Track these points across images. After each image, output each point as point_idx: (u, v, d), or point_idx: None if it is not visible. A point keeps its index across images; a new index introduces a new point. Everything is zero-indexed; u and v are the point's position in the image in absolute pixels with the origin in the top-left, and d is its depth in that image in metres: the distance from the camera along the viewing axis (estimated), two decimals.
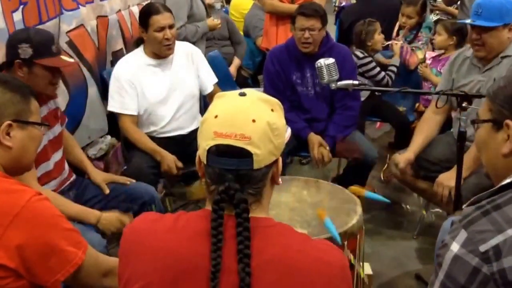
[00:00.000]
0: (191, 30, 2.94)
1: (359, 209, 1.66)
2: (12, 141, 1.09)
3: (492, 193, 0.92)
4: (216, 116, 0.85)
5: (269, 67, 2.52)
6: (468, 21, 2.09)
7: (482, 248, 0.84)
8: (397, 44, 3.07)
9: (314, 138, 2.41)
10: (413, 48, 3.30)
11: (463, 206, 0.96)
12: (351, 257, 1.45)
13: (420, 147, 2.24)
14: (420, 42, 3.33)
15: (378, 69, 2.98)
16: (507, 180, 0.92)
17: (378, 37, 3.06)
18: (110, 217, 1.70)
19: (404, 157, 2.21)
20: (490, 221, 0.87)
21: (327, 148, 2.39)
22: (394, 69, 3.02)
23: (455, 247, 0.87)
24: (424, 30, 3.39)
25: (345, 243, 1.51)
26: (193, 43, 2.89)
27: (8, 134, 1.09)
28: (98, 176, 1.95)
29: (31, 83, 1.49)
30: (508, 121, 0.93)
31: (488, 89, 1.01)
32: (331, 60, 1.93)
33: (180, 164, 2.19)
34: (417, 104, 3.23)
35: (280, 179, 0.91)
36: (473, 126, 1.06)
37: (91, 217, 1.69)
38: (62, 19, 2.18)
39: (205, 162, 0.86)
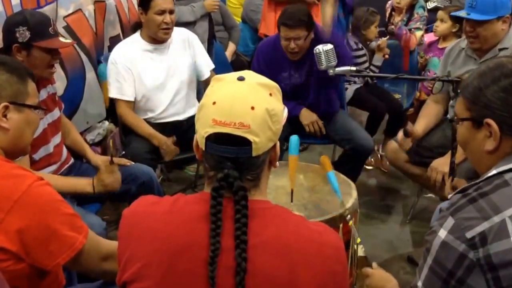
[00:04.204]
0: (185, 10, 2.92)
1: (354, 193, 1.69)
2: (9, 123, 1.09)
3: (478, 182, 0.95)
4: (214, 103, 0.84)
5: (255, 65, 2.51)
6: (462, 14, 2.08)
7: (469, 234, 0.87)
8: (383, 41, 3.05)
9: (306, 112, 2.45)
10: (413, 29, 3.32)
11: (450, 195, 0.98)
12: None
13: (424, 127, 2.23)
14: (418, 22, 3.35)
15: (367, 65, 3.02)
16: (493, 172, 0.94)
17: (374, 29, 3.09)
18: (100, 177, 1.67)
19: (414, 128, 2.20)
20: (476, 208, 0.89)
21: (319, 122, 2.45)
22: (375, 70, 3.04)
23: (442, 233, 0.90)
24: (419, 10, 3.39)
25: (341, 225, 1.54)
26: (193, 23, 2.87)
27: (5, 116, 1.09)
28: (99, 159, 1.96)
29: (30, 66, 1.48)
30: (488, 120, 0.95)
31: (461, 88, 1.03)
32: (329, 46, 1.94)
33: (174, 139, 2.23)
34: (417, 94, 3.26)
35: (277, 163, 0.92)
36: (453, 124, 1.08)
37: (85, 186, 1.66)
38: (59, 4, 2.18)
39: (203, 149, 0.86)
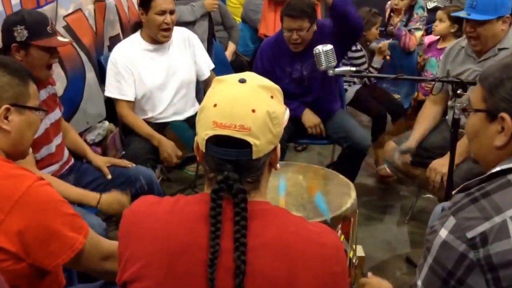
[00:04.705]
0: (185, 10, 2.91)
1: (353, 194, 1.70)
2: (10, 125, 1.09)
3: (481, 180, 0.94)
4: (215, 105, 0.84)
5: (258, 64, 2.51)
6: (462, 14, 2.08)
7: (470, 234, 0.86)
8: (384, 44, 3.04)
9: (309, 115, 2.47)
10: (412, 29, 3.32)
11: (453, 192, 0.97)
12: (344, 241, 1.49)
13: (420, 137, 2.26)
14: (418, 23, 3.36)
15: (365, 66, 3.01)
16: (497, 168, 0.92)
17: (375, 31, 3.08)
18: (109, 199, 1.71)
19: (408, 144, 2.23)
20: (478, 208, 0.88)
21: (321, 125, 2.48)
22: (374, 72, 3.04)
23: (443, 233, 0.89)
24: (418, 11, 3.40)
25: (339, 226, 1.55)
26: (193, 22, 2.86)
27: (6, 118, 1.09)
28: (99, 160, 1.97)
29: (29, 66, 1.49)
30: (503, 114, 0.92)
31: (481, 77, 0.99)
32: (329, 47, 1.94)
33: (179, 153, 2.20)
34: (415, 94, 3.27)
35: (278, 165, 0.92)
36: (464, 114, 1.07)
37: (91, 200, 1.70)
38: (59, 3, 2.17)
39: (204, 151, 0.86)
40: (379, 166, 2.89)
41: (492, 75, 0.96)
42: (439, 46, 3.12)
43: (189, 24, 2.87)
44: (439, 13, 3.07)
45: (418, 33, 3.33)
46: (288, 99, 0.92)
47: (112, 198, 1.72)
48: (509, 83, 0.93)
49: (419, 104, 3.09)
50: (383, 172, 2.86)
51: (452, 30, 3.01)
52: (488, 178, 0.93)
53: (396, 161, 2.26)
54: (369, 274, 1.22)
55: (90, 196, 1.71)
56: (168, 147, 2.18)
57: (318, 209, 1.53)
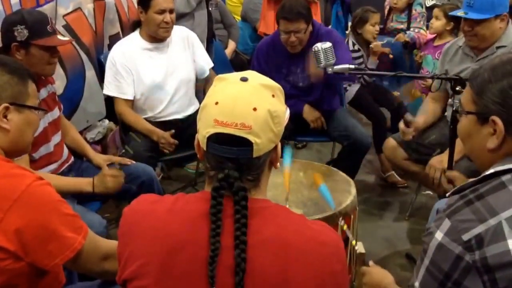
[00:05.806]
0: (180, 2, 2.89)
1: (353, 190, 1.70)
2: (9, 124, 1.09)
3: (475, 182, 0.93)
4: (216, 103, 0.84)
5: (255, 64, 2.52)
6: (459, 13, 2.08)
7: (465, 237, 0.87)
8: (376, 45, 3.00)
9: (309, 109, 2.49)
10: (416, 29, 3.32)
11: (447, 194, 0.97)
12: (346, 229, 1.49)
13: (423, 123, 2.23)
14: (418, 19, 3.35)
15: (363, 66, 2.99)
16: (490, 171, 0.92)
17: (370, 28, 3.02)
18: (102, 179, 1.71)
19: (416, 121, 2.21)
20: (472, 210, 0.88)
21: (322, 118, 2.51)
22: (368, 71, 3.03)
23: (439, 235, 0.89)
24: (416, 7, 3.39)
25: (339, 223, 1.55)
26: (192, 16, 2.85)
27: (5, 117, 1.09)
28: (99, 158, 1.97)
29: (29, 65, 1.49)
30: (494, 117, 0.91)
31: (470, 78, 0.98)
32: (328, 44, 1.94)
33: (172, 132, 2.24)
34: (412, 90, 3.27)
35: (278, 164, 0.92)
36: (456, 115, 1.06)
37: (85, 186, 1.69)
38: (59, 2, 2.18)
39: (204, 149, 0.86)
40: (387, 173, 2.88)
41: (480, 75, 0.95)
42: (435, 44, 3.12)
43: (186, 16, 2.85)
44: (436, 11, 3.07)
45: (423, 32, 3.33)
46: (286, 99, 0.93)
47: (103, 176, 1.71)
48: (496, 85, 0.91)
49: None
50: (392, 178, 2.86)
51: (448, 28, 3.00)
52: (482, 180, 0.93)
53: (401, 129, 2.21)
54: (370, 262, 1.22)
55: (83, 183, 1.70)
56: (165, 134, 2.23)
57: (323, 199, 1.52)
